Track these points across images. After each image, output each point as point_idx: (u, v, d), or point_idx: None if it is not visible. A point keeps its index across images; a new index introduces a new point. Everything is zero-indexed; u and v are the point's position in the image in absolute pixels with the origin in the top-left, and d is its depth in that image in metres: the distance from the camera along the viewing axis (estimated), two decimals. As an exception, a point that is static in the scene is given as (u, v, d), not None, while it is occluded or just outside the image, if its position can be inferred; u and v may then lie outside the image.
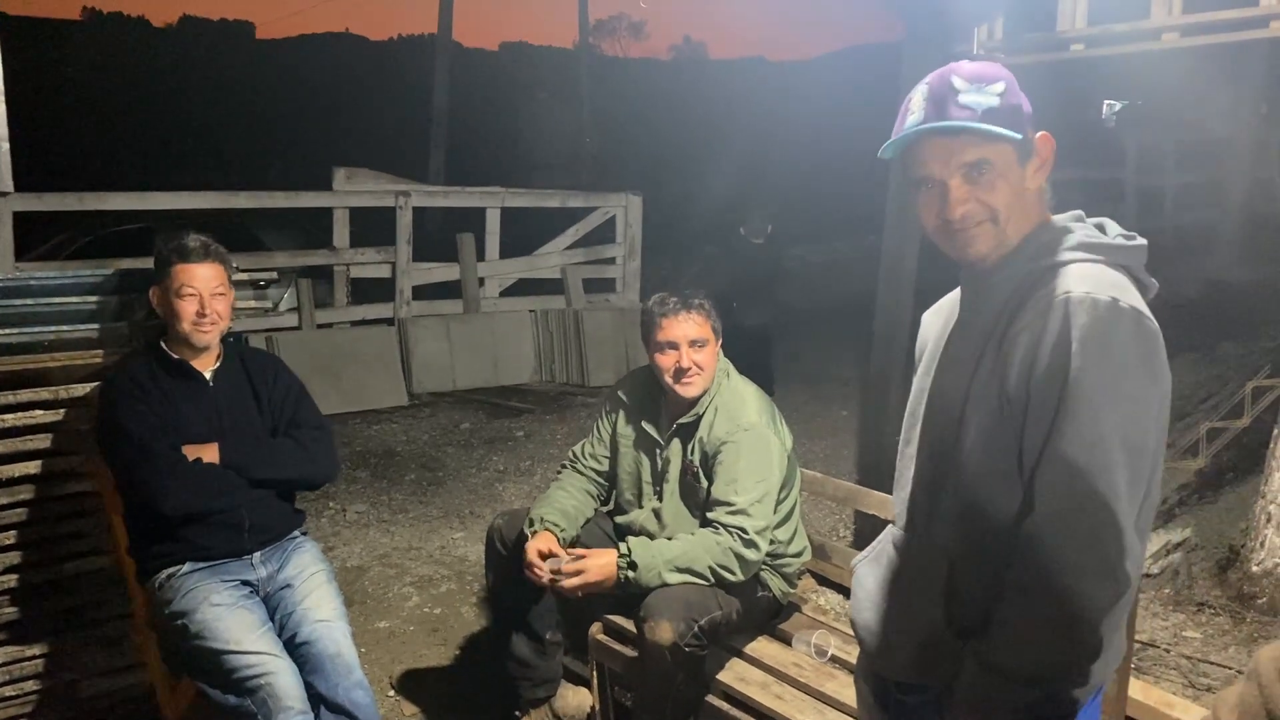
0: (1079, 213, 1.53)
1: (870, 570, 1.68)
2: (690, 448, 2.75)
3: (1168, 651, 3.54)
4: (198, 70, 33.86)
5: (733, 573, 2.59)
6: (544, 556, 2.64)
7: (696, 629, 2.49)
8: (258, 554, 2.63)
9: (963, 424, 1.47)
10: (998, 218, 1.46)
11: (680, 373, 2.69)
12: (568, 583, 2.58)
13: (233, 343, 2.80)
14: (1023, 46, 4.01)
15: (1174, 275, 8.50)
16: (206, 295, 2.57)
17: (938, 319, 1.68)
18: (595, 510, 2.97)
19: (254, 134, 27.04)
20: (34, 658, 2.86)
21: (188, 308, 2.56)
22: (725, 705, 2.61)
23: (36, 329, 3.06)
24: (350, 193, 8.04)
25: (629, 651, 2.74)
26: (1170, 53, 3.85)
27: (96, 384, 2.79)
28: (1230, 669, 3.40)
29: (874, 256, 4.28)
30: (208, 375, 2.66)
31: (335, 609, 2.57)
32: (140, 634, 2.85)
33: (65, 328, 3.09)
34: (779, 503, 2.72)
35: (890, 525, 1.69)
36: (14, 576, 2.84)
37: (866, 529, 3.99)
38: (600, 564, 2.58)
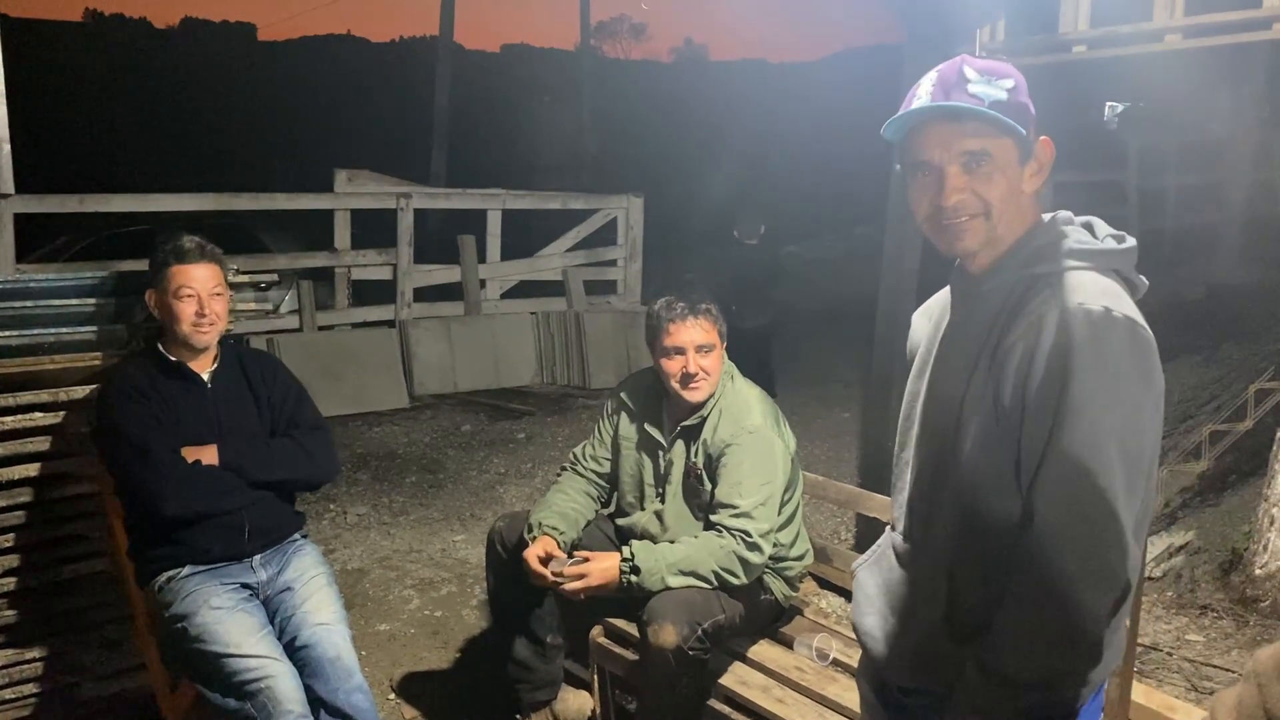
0: (1067, 213, 1.52)
1: (870, 574, 1.68)
2: (694, 450, 2.74)
3: (1170, 655, 3.53)
4: (199, 72, 33.90)
5: (736, 576, 2.58)
6: (544, 561, 2.63)
7: (700, 632, 2.48)
8: (258, 557, 2.63)
9: (959, 431, 1.46)
10: (991, 213, 1.44)
11: (687, 378, 2.68)
12: (570, 586, 2.57)
13: (231, 344, 2.80)
14: (1024, 48, 4.00)
15: (1176, 277, 8.53)
16: (205, 296, 2.56)
17: (927, 320, 1.67)
18: (596, 513, 2.97)
19: (255, 136, 27.06)
20: (34, 660, 2.86)
21: (187, 309, 2.55)
22: (727, 709, 2.60)
23: (36, 331, 3.05)
24: (351, 194, 8.04)
25: (630, 655, 2.73)
26: (1172, 55, 3.84)
27: (96, 386, 2.79)
28: (1233, 672, 3.39)
29: (865, 249, 4.27)
30: (205, 377, 2.66)
31: (335, 612, 2.57)
32: (140, 637, 2.85)
33: (65, 330, 3.08)
34: (782, 505, 2.71)
35: (889, 529, 1.69)
36: (13, 579, 2.84)
37: (868, 532, 3.99)
38: (603, 568, 2.57)
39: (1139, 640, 3.34)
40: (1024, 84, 1.45)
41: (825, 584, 3.54)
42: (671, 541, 2.65)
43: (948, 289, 1.63)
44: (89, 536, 2.93)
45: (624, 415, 2.92)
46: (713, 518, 2.64)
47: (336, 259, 7.86)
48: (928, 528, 1.55)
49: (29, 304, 3.08)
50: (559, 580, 2.57)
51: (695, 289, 2.75)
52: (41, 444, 2.85)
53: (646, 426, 2.84)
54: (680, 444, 2.77)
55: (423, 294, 8.25)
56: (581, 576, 2.56)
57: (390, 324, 7.94)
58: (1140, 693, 2.38)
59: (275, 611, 2.57)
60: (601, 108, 24.07)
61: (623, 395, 2.95)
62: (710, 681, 2.64)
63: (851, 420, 6.80)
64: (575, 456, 3.01)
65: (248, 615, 2.47)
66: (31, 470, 2.82)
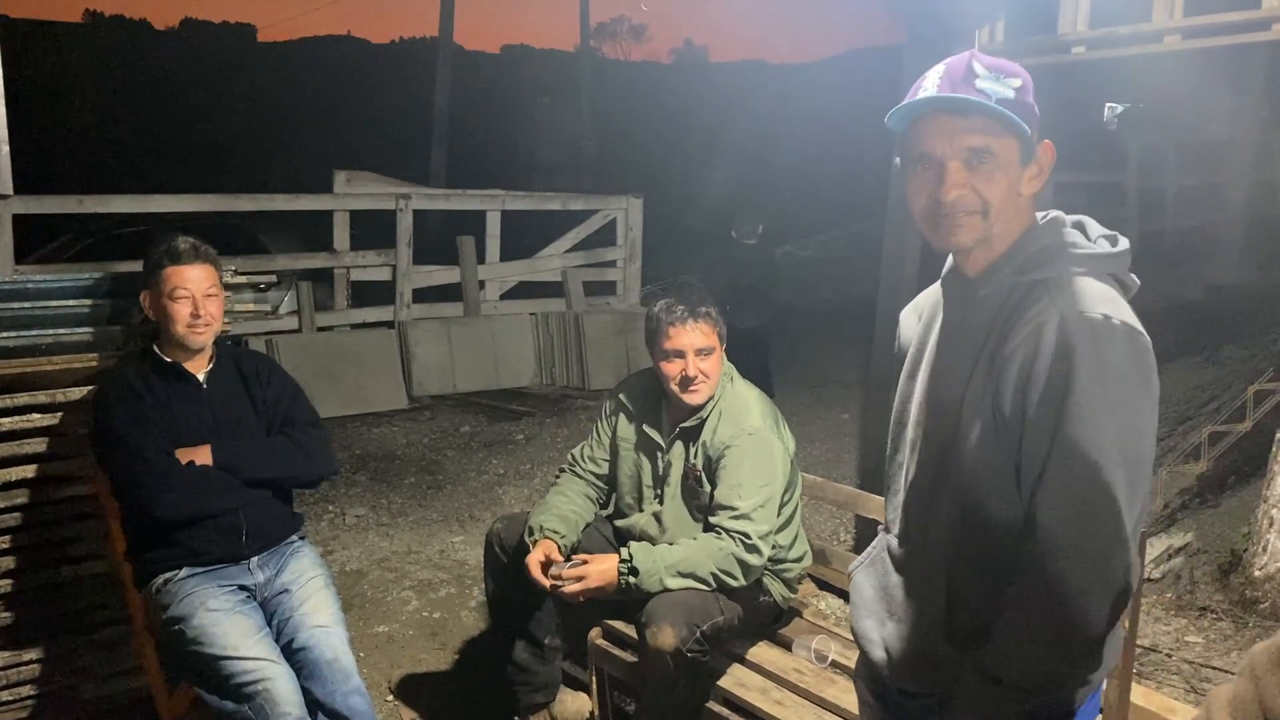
0: (1059, 214, 1.51)
1: (867, 577, 1.68)
2: (693, 451, 2.74)
3: (1170, 656, 3.52)
4: (199, 73, 33.87)
5: (735, 578, 2.57)
6: (545, 566, 2.63)
7: (698, 634, 2.48)
8: (255, 558, 2.62)
9: (958, 436, 1.46)
10: (988, 211, 1.43)
11: (687, 381, 2.67)
12: (569, 588, 2.56)
13: (227, 345, 2.79)
14: (1024, 49, 3.99)
15: (1176, 278, 8.53)
16: (199, 296, 2.56)
17: (917, 318, 1.66)
18: (595, 514, 2.96)
19: (255, 137, 27.05)
20: (31, 662, 2.85)
21: (181, 310, 2.55)
22: (725, 711, 2.60)
23: (34, 332, 3.05)
24: (350, 195, 8.03)
25: (629, 657, 2.73)
26: (1172, 55, 3.83)
27: (93, 388, 2.79)
28: (1232, 674, 3.38)
29: (858, 244, 4.28)
30: (201, 378, 2.65)
31: (333, 614, 2.56)
32: (138, 638, 2.84)
33: (62, 331, 3.08)
34: (780, 507, 2.71)
35: (882, 531, 1.68)
36: (11, 580, 2.83)
37: (867, 533, 3.98)
38: (601, 570, 2.57)
39: (1138, 642, 3.34)
40: (1031, 85, 1.45)
41: (824, 585, 3.53)
42: (670, 543, 2.65)
43: (937, 286, 1.62)
44: (87, 538, 2.93)
45: (622, 416, 2.91)
46: (711, 519, 2.64)
47: (336, 260, 7.85)
48: (925, 531, 1.54)
49: (26, 305, 3.09)
50: (558, 583, 2.57)
51: (695, 291, 2.74)
52: (39, 445, 2.84)
53: (645, 428, 2.84)
54: (679, 445, 2.76)
55: (422, 295, 8.25)
56: (580, 579, 2.56)
57: (389, 325, 7.94)
58: (1139, 694, 2.38)
59: (273, 613, 2.57)
60: (601, 109, 24.08)
61: (621, 396, 2.94)
62: (709, 683, 2.63)
63: (851, 421, 6.80)
64: (574, 458, 3.01)
65: (245, 617, 2.46)
66: (29, 472, 2.82)
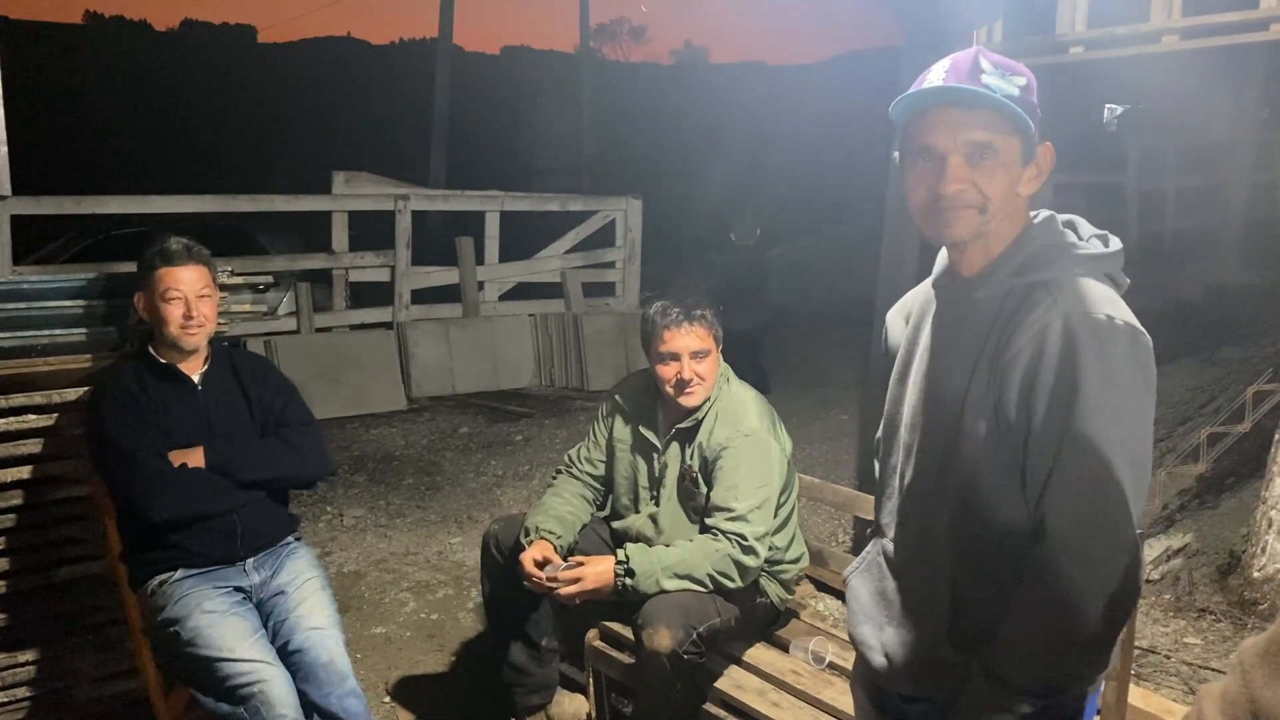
0: (1050, 213, 1.51)
1: (863, 582, 1.66)
2: (689, 452, 2.73)
3: (1168, 658, 3.52)
4: (199, 74, 33.86)
5: (732, 579, 2.57)
6: (540, 565, 2.62)
7: (695, 636, 2.48)
8: (251, 560, 2.62)
9: (958, 439, 1.45)
10: (987, 208, 1.43)
11: (681, 384, 2.67)
12: (565, 590, 2.56)
13: (223, 346, 2.79)
14: (1022, 49, 3.98)
15: (1175, 279, 8.53)
16: (192, 298, 2.55)
17: (904, 319, 1.65)
18: (591, 516, 2.96)
19: (255, 138, 27.06)
20: (27, 664, 2.84)
21: (174, 311, 2.54)
22: (722, 713, 2.59)
23: (29, 333, 3.04)
24: (349, 196, 8.02)
25: (626, 658, 2.72)
26: (1170, 56, 3.82)
27: (88, 388, 2.78)
28: (1230, 675, 3.37)
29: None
30: (196, 379, 2.65)
31: (328, 616, 2.55)
32: (134, 640, 2.83)
33: (58, 332, 3.08)
34: (778, 508, 2.70)
35: (875, 535, 1.67)
36: (6, 582, 2.82)
37: (865, 534, 3.97)
38: (598, 571, 2.56)
39: (1137, 643, 3.33)
40: (1035, 85, 1.44)
41: (822, 587, 3.52)
42: (667, 545, 2.64)
43: (925, 286, 1.61)
44: (83, 539, 2.92)
45: (619, 417, 2.91)
46: (708, 521, 2.63)
47: (334, 261, 7.85)
48: (924, 534, 1.53)
49: (22, 306, 3.08)
50: (554, 584, 2.57)
51: (691, 293, 2.74)
52: (34, 446, 2.83)
53: (641, 429, 2.83)
54: (675, 446, 2.76)
55: (421, 296, 8.24)
56: (576, 580, 2.56)
57: (388, 326, 7.93)
58: (1137, 696, 2.37)
59: (269, 615, 2.56)
60: (601, 110, 24.08)
61: (617, 397, 2.94)
62: (706, 685, 2.63)
63: (850, 422, 6.78)
64: (570, 459, 3.01)
65: (240, 619, 2.46)
66: (24, 473, 2.81)
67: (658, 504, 2.79)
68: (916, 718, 1.59)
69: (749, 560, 2.57)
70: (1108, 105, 11.53)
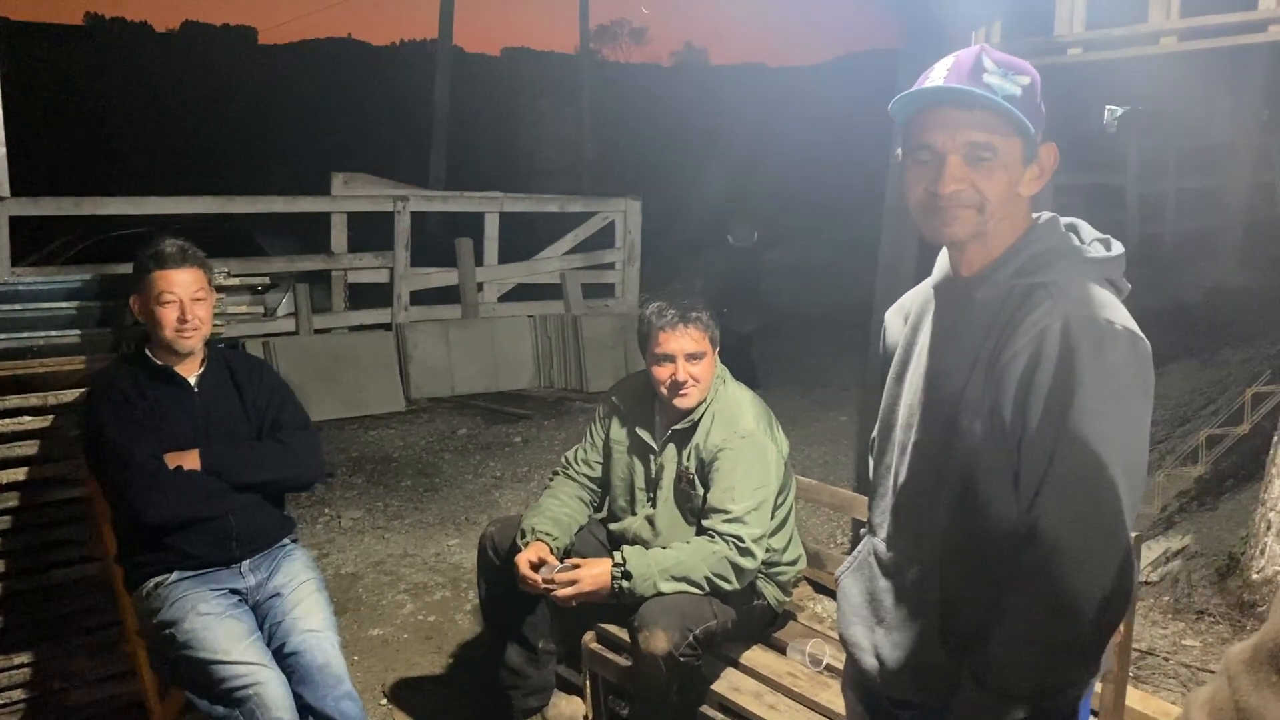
0: (1053, 215, 1.50)
1: (855, 582, 1.65)
2: (686, 454, 2.73)
3: (1166, 660, 3.51)
4: (200, 75, 33.84)
5: (729, 581, 2.56)
6: (535, 567, 2.62)
7: (691, 638, 2.47)
8: (246, 562, 2.61)
9: (954, 440, 1.45)
10: (985, 208, 1.42)
11: (676, 386, 2.67)
12: (561, 592, 2.56)
13: (219, 348, 2.78)
14: (1020, 51, 3.97)
15: (1175, 281, 8.52)
16: (186, 300, 2.54)
17: (903, 320, 1.64)
18: (588, 517, 2.95)
19: (255, 139, 27.04)
20: (22, 666, 2.84)
21: (169, 314, 2.54)
22: (719, 715, 2.59)
23: (25, 334, 3.04)
24: (348, 197, 8.01)
25: (623, 661, 2.72)
26: (1169, 57, 3.82)
27: (85, 390, 2.77)
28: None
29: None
30: (192, 381, 2.64)
31: (324, 619, 2.55)
32: (130, 642, 2.83)
33: (54, 333, 3.07)
34: (775, 510, 2.70)
35: (867, 535, 1.66)
36: (1, 584, 2.82)
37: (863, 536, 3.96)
38: (594, 573, 2.56)
39: (1135, 645, 3.32)
40: (1039, 84, 1.43)
41: (820, 588, 3.52)
42: (663, 547, 2.64)
43: (924, 286, 1.61)
44: (78, 541, 2.92)
45: (615, 419, 2.90)
46: (705, 523, 2.63)
47: (333, 262, 7.84)
48: (918, 536, 1.52)
49: (18, 307, 3.08)
50: (550, 586, 2.56)
51: (687, 295, 2.74)
52: (30, 448, 2.83)
53: (638, 430, 2.83)
54: (672, 448, 2.75)
55: (420, 297, 8.23)
56: (573, 582, 2.55)
57: (387, 327, 7.92)
58: (1135, 698, 2.37)
59: (264, 617, 2.56)
60: (601, 111, 24.05)
61: (614, 399, 2.93)
62: (702, 687, 2.62)
63: (848, 424, 6.77)
64: (567, 460, 3.00)
65: (236, 621, 2.45)
66: (20, 474, 2.81)
67: (654, 506, 2.79)
68: None
69: (746, 562, 2.56)
70: (1108, 106, 11.52)
